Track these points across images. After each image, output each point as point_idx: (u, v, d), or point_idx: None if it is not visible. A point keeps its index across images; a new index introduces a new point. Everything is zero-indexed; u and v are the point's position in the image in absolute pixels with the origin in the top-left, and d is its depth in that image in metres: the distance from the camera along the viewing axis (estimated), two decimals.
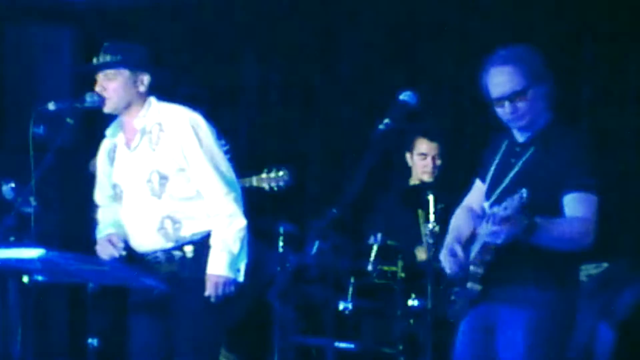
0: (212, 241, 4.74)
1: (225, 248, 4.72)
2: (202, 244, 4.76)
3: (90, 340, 5.94)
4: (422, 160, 6.18)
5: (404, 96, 4.21)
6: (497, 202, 4.18)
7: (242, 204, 4.81)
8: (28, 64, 7.19)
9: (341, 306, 5.91)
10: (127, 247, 4.84)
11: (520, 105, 4.22)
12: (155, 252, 4.79)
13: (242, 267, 4.78)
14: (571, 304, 4.28)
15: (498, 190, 4.28)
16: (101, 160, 4.99)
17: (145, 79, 4.82)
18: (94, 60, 4.81)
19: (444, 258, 4.39)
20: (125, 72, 4.78)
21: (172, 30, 7.44)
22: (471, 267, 4.26)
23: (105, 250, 4.81)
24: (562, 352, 4.26)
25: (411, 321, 5.78)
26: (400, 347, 5.76)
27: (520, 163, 4.27)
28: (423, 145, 6.17)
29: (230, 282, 4.72)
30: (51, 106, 4.79)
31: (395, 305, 5.78)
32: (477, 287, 4.23)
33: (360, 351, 6.02)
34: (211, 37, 7.41)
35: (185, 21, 7.47)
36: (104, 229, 4.92)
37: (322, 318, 5.98)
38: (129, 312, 4.92)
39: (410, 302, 5.71)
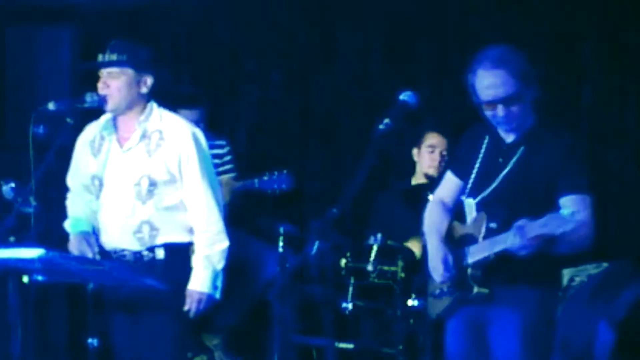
0: (196, 258, 4.78)
1: (210, 266, 4.77)
2: (173, 250, 4.79)
3: (90, 340, 5.94)
4: (430, 153, 6.20)
5: (404, 96, 4.21)
6: (492, 201, 4.22)
7: (224, 224, 4.85)
8: (28, 64, 7.19)
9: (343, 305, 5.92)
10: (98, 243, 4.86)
11: (514, 108, 4.20)
12: (124, 250, 4.81)
13: (219, 285, 4.83)
14: (555, 302, 4.35)
15: (488, 189, 4.28)
16: (82, 146, 4.97)
17: (149, 80, 4.81)
18: (99, 58, 4.80)
19: (436, 266, 4.39)
20: (130, 72, 4.77)
21: (172, 30, 7.44)
22: (470, 270, 4.26)
23: (79, 247, 4.82)
24: (551, 347, 4.32)
25: (411, 321, 5.77)
26: (400, 347, 5.75)
27: (510, 163, 4.26)
28: (434, 138, 6.21)
29: (210, 299, 4.78)
30: (51, 106, 4.78)
31: (395, 305, 5.78)
32: (484, 290, 4.24)
33: (360, 351, 6.02)
34: (211, 37, 7.41)
35: (185, 21, 7.47)
36: (76, 223, 4.91)
37: (322, 318, 5.98)
38: (106, 311, 4.95)
39: (410, 302, 5.71)
